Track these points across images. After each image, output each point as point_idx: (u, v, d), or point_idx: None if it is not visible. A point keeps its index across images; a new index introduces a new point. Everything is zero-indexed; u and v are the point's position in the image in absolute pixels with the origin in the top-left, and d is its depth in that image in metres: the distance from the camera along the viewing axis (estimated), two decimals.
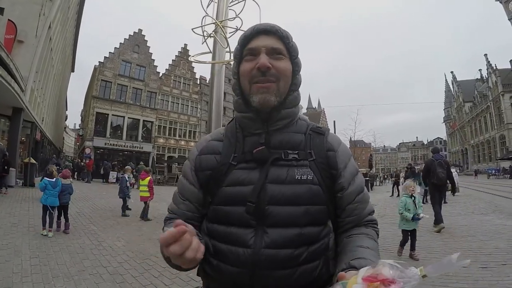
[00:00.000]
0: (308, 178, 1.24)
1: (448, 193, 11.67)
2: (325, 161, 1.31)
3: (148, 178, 11.89)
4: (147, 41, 47.05)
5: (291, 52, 1.33)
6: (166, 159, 45.40)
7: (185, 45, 51.55)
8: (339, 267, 1.11)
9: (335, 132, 44.74)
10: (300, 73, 1.41)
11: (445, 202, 11.41)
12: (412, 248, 6.85)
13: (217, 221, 1.26)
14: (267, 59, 1.25)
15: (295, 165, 1.26)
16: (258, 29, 1.31)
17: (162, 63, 51.72)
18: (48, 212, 8.41)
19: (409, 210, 6.72)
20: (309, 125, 1.42)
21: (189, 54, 44.68)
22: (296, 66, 1.35)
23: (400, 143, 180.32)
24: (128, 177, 13.10)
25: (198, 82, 52.01)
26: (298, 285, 1.17)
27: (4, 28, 15.66)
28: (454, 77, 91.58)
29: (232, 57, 5.82)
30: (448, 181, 9.80)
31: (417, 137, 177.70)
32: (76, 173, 29.50)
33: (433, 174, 9.66)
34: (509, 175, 27.30)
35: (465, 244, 7.55)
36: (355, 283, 0.81)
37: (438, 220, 9.33)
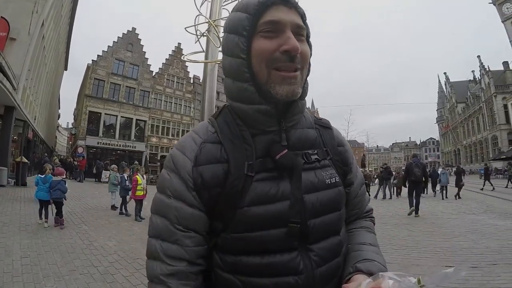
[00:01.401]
0: (337, 180, 1.13)
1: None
2: (339, 158, 1.20)
3: (136, 176, 11.91)
4: (140, 39, 46.88)
5: (308, 33, 1.11)
6: (159, 158, 45.12)
7: (179, 44, 51.38)
8: (346, 270, 1.05)
9: None
10: None
11: (422, 194, 13.66)
12: None
13: (244, 252, 0.99)
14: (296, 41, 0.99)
15: (319, 167, 1.11)
16: None
17: (155, 62, 51.60)
18: (42, 205, 9.26)
19: None
20: (310, 117, 1.26)
21: (183, 53, 44.48)
22: (311, 49, 1.11)
23: (393, 143, 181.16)
24: (127, 176, 13.10)
25: (192, 81, 51.83)
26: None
27: None
28: (447, 78, 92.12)
29: None
30: (423, 178, 12.77)
31: (410, 138, 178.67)
32: (67, 172, 29.37)
33: (411, 173, 12.85)
34: (501, 175, 27.46)
35: (456, 244, 7.58)
36: None
37: (410, 205, 12.75)
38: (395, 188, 21.52)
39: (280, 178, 1.01)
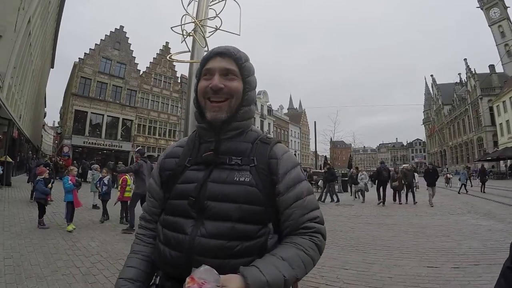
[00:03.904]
0: (246, 180, 1.38)
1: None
2: (266, 167, 1.43)
3: (124, 176, 11.48)
4: (128, 38, 46.74)
5: (244, 72, 1.51)
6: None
7: (167, 43, 51.42)
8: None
9: (315, 133, 45.13)
10: (255, 89, 1.60)
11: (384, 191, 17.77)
12: None
13: (168, 212, 1.44)
14: (219, 80, 1.44)
15: (236, 169, 1.41)
16: (215, 51, 1.50)
17: (143, 61, 51.28)
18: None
19: None
20: (259, 136, 1.57)
21: (170, 52, 44.50)
22: (248, 84, 1.52)
23: (380, 144, 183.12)
24: (107, 180, 11.77)
25: (179, 81, 51.89)
26: None
27: None
28: (434, 81, 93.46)
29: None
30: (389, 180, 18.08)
31: (396, 138, 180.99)
32: (53, 172, 29.02)
33: (380, 175, 18.26)
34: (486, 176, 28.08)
35: (439, 244, 7.66)
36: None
37: (379, 198, 17.80)
38: (393, 190, 19.02)
39: (201, 170, 1.44)
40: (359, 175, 21.38)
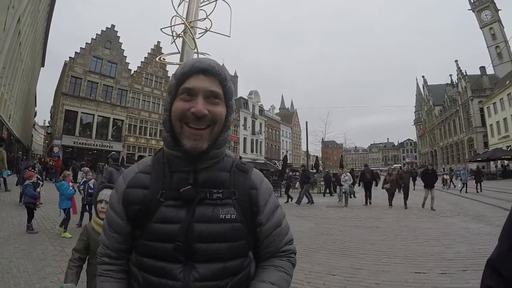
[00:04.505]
0: (232, 217, 1.32)
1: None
2: (247, 199, 1.39)
3: None
4: (119, 37, 46.48)
5: (227, 95, 1.37)
6: (136, 158, 44.46)
7: (158, 42, 50.93)
8: None
9: (307, 133, 45.20)
10: (233, 111, 1.46)
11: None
12: None
13: (146, 255, 1.29)
14: (203, 105, 1.27)
15: (219, 204, 1.32)
16: (197, 67, 1.31)
17: (134, 61, 51.04)
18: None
19: None
20: (234, 162, 1.48)
21: (162, 52, 44.39)
22: (230, 108, 1.39)
23: (371, 144, 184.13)
24: (93, 184, 10.86)
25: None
26: None
27: None
28: (425, 81, 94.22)
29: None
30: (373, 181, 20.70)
31: (388, 139, 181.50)
32: (43, 172, 28.76)
33: (363, 177, 20.91)
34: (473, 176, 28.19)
35: (428, 249, 7.69)
36: None
37: (366, 198, 19.03)
38: (387, 194, 18.09)
39: (180, 207, 1.29)
40: (342, 176, 20.16)
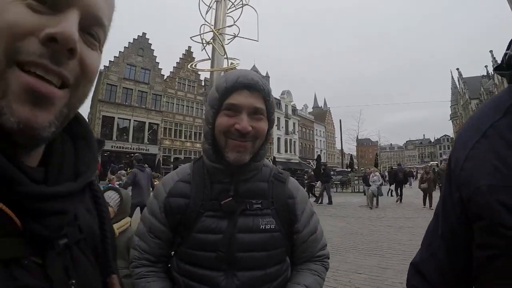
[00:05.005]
0: (271, 227, 1.39)
1: None
2: (285, 208, 1.46)
3: (155, 183, 11.00)
4: (151, 44, 47.37)
5: (269, 110, 1.41)
6: (172, 160, 45.32)
7: (189, 47, 51.51)
8: None
9: (341, 131, 44.76)
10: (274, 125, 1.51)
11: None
12: None
13: (188, 262, 1.37)
14: (248, 122, 1.30)
15: (259, 214, 1.39)
16: (242, 83, 1.32)
17: (166, 66, 51.70)
18: None
19: None
20: (272, 171, 1.54)
21: (193, 56, 45.10)
22: (271, 122, 1.44)
23: (407, 141, 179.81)
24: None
25: (203, 84, 51.99)
26: None
27: None
28: (460, 74, 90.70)
29: (229, 64, 6.04)
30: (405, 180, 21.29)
31: (424, 135, 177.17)
32: None
33: (397, 176, 21.21)
34: None
35: None
36: None
37: (397, 195, 20.46)
38: (423, 193, 16.63)
39: (222, 217, 1.36)
40: (370, 176, 18.72)
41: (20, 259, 0.55)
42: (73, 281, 0.62)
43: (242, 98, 1.32)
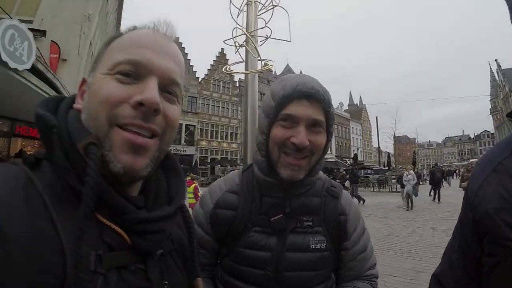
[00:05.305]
0: (322, 246, 1.32)
1: None
2: (336, 225, 1.38)
3: (193, 185, 11.64)
4: (184, 48, 47.85)
5: (329, 122, 1.30)
6: (209, 161, 46.11)
7: (222, 49, 52.06)
8: None
9: (377, 129, 43.96)
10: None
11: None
12: None
13: (234, 276, 1.34)
14: (305, 135, 1.20)
15: (310, 232, 1.33)
16: (300, 91, 1.22)
17: (200, 68, 52.40)
18: None
19: None
20: (324, 185, 1.46)
21: (227, 58, 45.69)
22: (330, 135, 1.32)
23: (446, 138, 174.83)
24: None
25: (238, 85, 52.43)
26: None
27: (49, 49, 16.44)
28: (498, 66, 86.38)
29: (263, 65, 6.05)
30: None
31: (463, 131, 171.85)
32: None
33: (434, 176, 21.11)
34: None
35: None
36: None
37: (434, 196, 20.69)
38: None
39: (270, 234, 1.31)
40: (404, 175, 18.03)
41: (128, 265, 0.73)
42: (166, 282, 0.81)
43: (300, 109, 1.22)
